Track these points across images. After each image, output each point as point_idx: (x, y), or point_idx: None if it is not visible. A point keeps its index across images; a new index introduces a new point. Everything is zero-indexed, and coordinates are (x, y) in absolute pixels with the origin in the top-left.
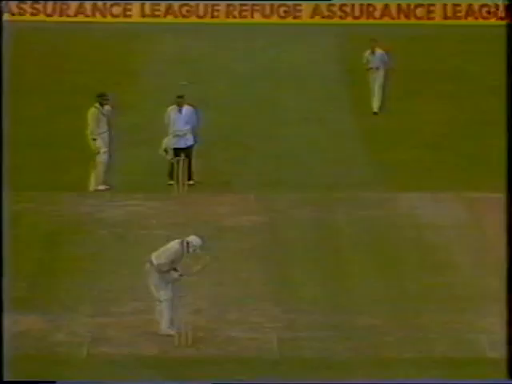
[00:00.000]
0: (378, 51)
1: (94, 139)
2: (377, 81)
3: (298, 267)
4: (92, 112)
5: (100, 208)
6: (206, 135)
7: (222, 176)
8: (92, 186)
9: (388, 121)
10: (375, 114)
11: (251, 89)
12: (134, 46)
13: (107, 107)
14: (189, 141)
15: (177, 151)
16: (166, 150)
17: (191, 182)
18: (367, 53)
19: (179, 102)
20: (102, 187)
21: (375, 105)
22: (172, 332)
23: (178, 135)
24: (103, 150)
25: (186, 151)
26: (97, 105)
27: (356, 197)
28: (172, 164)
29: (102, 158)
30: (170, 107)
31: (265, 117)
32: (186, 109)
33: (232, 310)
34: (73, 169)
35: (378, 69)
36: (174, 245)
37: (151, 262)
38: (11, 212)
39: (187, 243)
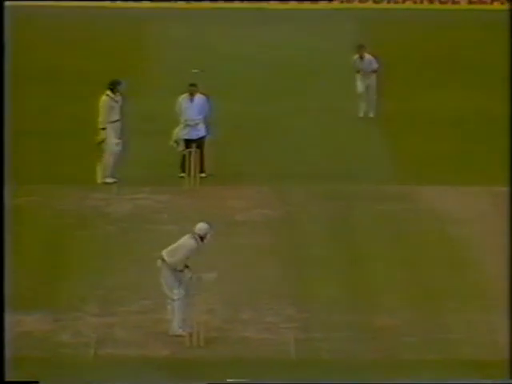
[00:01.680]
0: (367, 57)
1: (103, 128)
2: (370, 87)
3: (314, 264)
4: (103, 100)
5: (107, 202)
6: (219, 125)
7: (234, 168)
8: (99, 179)
9: (410, 110)
10: (362, 117)
11: (266, 77)
12: (145, 32)
13: (119, 95)
14: (201, 131)
15: (188, 142)
16: (176, 141)
17: (203, 175)
18: (355, 58)
19: (191, 90)
20: (110, 180)
21: (362, 109)
22: (183, 332)
23: (189, 125)
24: (115, 140)
25: (198, 142)
26: (109, 92)
27: (376, 190)
28: (183, 156)
29: (113, 149)
30: (182, 96)
31: (280, 106)
32: (198, 98)
33: (246, 310)
34: (78, 160)
35: (367, 74)
36: (187, 240)
37: (163, 259)
38: (13, 206)
39: (200, 237)
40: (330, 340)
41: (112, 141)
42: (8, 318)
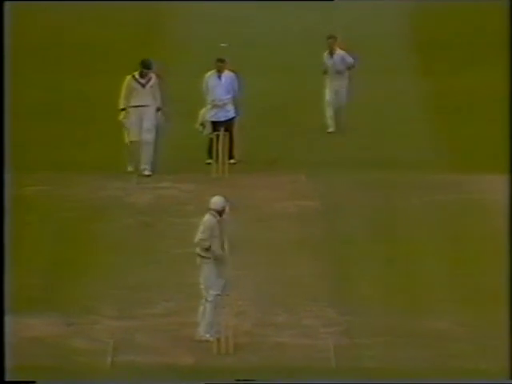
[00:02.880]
0: (338, 52)
1: (123, 109)
2: (339, 92)
3: (355, 261)
4: (125, 79)
5: (125, 192)
6: (250, 106)
7: (267, 154)
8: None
9: (458, 90)
10: (330, 132)
11: (303, 53)
12: (167, 4)
13: (152, 77)
14: (230, 113)
15: (216, 125)
16: (202, 124)
17: (232, 161)
18: (324, 55)
19: (219, 67)
20: (129, 168)
21: (331, 122)
22: (210, 338)
23: (217, 106)
24: (134, 127)
25: (227, 125)
26: (135, 73)
27: (421, 179)
28: (211, 140)
29: (132, 136)
30: (209, 73)
31: (317, 84)
32: (226, 75)
33: (280, 312)
34: (92, 145)
35: (339, 73)
36: (205, 217)
37: (201, 256)
38: (19, 197)
39: (217, 211)
40: (374, 346)
41: (130, 129)
42: (16, 322)
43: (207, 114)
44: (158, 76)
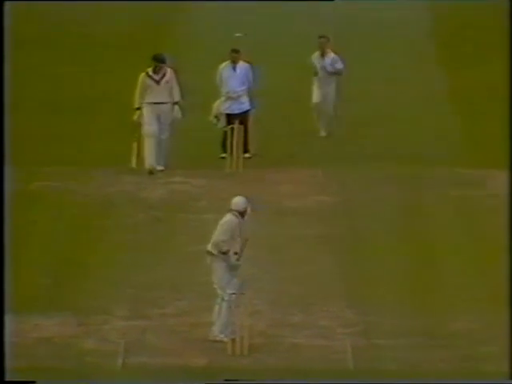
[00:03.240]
0: (330, 54)
1: (138, 108)
2: (328, 95)
3: (376, 259)
4: (140, 77)
5: (137, 187)
6: (265, 97)
7: (284, 147)
8: (133, 163)
9: (484, 81)
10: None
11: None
12: None
13: (167, 72)
14: (244, 105)
15: (230, 117)
16: (217, 117)
17: (247, 155)
18: (315, 56)
19: (234, 57)
20: (160, 167)
21: (323, 126)
22: (225, 338)
23: (231, 98)
24: (150, 126)
25: (241, 117)
26: (149, 70)
27: (444, 173)
28: (225, 133)
29: (148, 133)
30: (223, 64)
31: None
32: (241, 66)
33: (296, 312)
34: (103, 139)
35: (328, 77)
36: (226, 217)
37: (212, 253)
38: (27, 193)
39: (239, 212)
40: (394, 347)
41: (146, 125)
42: (23, 322)
43: (221, 107)
44: (173, 70)
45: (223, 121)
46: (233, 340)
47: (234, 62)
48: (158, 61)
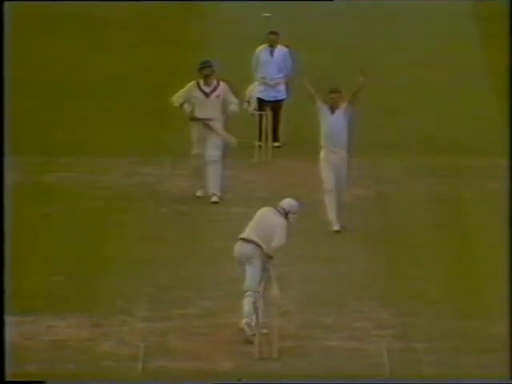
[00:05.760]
0: (281, 48)
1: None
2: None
3: (413, 256)
4: (188, 85)
5: (158, 178)
6: (300, 82)
7: (316, 136)
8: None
9: None
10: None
11: (357, 24)
12: None
13: (220, 85)
14: (280, 93)
15: (262, 104)
16: (248, 101)
17: (277, 144)
18: (260, 50)
19: (271, 40)
20: (198, 193)
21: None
22: (249, 330)
23: (267, 84)
24: (195, 150)
25: (274, 105)
26: (200, 80)
27: (486, 165)
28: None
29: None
30: (259, 48)
31: (374, 60)
32: (279, 51)
33: (328, 313)
34: (120, 127)
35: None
36: (276, 219)
37: (258, 244)
38: (41, 184)
39: (286, 212)
40: (433, 351)
41: (193, 148)
42: (37, 324)
43: (254, 91)
44: (226, 82)
45: (254, 105)
46: (260, 342)
47: (272, 46)
48: (204, 68)
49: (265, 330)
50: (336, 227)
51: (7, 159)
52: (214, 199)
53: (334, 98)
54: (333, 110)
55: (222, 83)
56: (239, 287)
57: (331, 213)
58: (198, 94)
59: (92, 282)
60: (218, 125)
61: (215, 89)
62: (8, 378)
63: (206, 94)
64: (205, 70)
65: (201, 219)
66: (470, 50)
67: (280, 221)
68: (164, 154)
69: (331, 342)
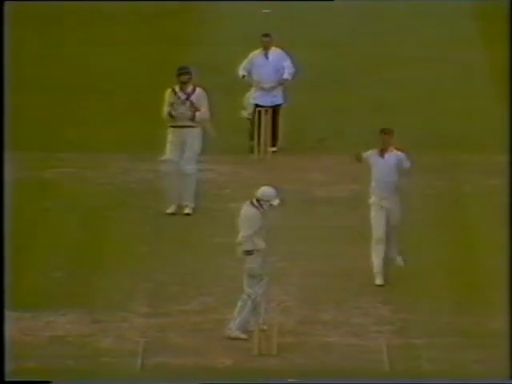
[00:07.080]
0: (275, 50)
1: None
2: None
3: (413, 252)
4: (167, 93)
5: (157, 175)
6: (297, 79)
7: (314, 132)
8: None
9: None
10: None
11: (356, 20)
12: None
13: (196, 90)
14: (276, 98)
15: (258, 108)
16: (245, 108)
17: (274, 149)
18: (255, 54)
19: (265, 43)
20: (169, 210)
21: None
22: (242, 335)
23: (263, 89)
24: (168, 155)
25: (272, 111)
26: (176, 87)
27: (486, 161)
28: (252, 123)
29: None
30: (253, 52)
31: (374, 55)
32: (274, 53)
33: (327, 309)
34: (118, 123)
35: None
36: (247, 209)
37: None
38: (40, 180)
39: (258, 201)
40: (432, 347)
41: (167, 155)
42: (36, 320)
43: (250, 97)
44: (201, 87)
45: (250, 109)
46: (259, 338)
47: (266, 49)
48: (181, 73)
49: (264, 326)
50: (379, 281)
51: (7, 155)
52: (187, 211)
53: (385, 140)
54: (382, 153)
55: (197, 89)
56: (238, 283)
57: (377, 265)
58: (173, 99)
59: (91, 278)
60: (195, 132)
61: (189, 95)
62: (7, 374)
63: (182, 100)
64: (182, 77)
65: (199, 215)
66: (470, 49)
67: (246, 212)
68: (163, 151)
69: (330, 338)
